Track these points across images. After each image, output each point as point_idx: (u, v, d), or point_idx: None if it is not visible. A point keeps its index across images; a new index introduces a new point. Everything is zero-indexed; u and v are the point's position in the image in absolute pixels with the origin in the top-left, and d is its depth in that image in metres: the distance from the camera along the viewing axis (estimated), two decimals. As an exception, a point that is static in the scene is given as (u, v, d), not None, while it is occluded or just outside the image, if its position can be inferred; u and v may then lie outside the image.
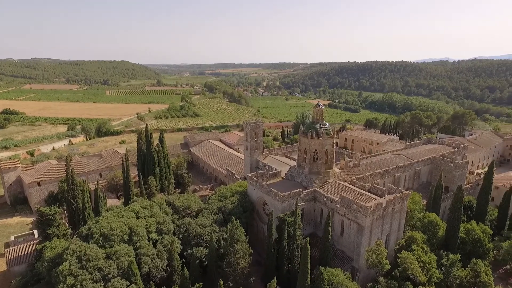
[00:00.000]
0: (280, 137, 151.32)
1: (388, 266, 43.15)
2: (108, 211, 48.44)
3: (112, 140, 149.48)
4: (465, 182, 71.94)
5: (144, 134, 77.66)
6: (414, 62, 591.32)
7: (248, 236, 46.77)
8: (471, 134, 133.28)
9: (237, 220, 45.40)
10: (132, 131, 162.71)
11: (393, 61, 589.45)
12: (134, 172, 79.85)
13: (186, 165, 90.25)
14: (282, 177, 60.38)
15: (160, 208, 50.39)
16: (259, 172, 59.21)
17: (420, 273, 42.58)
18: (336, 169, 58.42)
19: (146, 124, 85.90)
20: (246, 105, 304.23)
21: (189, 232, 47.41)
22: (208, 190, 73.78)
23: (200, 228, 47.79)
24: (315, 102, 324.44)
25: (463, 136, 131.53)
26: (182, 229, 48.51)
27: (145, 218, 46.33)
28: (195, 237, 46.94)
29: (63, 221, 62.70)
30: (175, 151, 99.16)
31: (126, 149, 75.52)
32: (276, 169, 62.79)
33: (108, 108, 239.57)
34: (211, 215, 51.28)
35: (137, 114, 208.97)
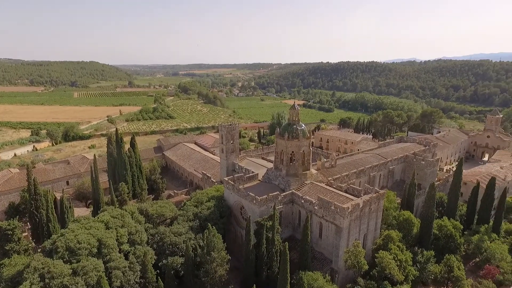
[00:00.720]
0: (256, 138, 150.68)
1: (366, 267, 43.25)
2: (75, 222, 45.23)
3: (81, 145, 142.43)
4: (436, 179, 74.36)
5: (115, 138, 74.03)
6: (384, 62, 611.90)
7: (225, 242, 45.31)
8: (439, 132, 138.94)
9: (214, 227, 43.77)
10: (102, 135, 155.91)
11: (364, 62, 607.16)
12: (104, 178, 76.00)
13: (160, 169, 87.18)
14: (259, 180, 59.39)
15: (132, 217, 47.76)
16: (236, 175, 57.93)
17: (397, 272, 43.02)
18: (313, 170, 58.20)
19: (116, 128, 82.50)
20: (221, 106, 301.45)
21: (163, 241, 45.23)
22: (183, 196, 71.40)
23: (175, 236, 45.74)
24: (290, 102, 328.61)
25: (432, 134, 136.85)
26: (156, 238, 46.23)
27: (115, 229, 43.60)
28: (170, 246, 44.84)
29: (25, 233, 58.32)
30: (148, 155, 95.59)
31: (94, 154, 71.64)
32: (253, 172, 61.68)
33: (76, 111, 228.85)
34: (186, 222, 49.30)
35: (107, 117, 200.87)
